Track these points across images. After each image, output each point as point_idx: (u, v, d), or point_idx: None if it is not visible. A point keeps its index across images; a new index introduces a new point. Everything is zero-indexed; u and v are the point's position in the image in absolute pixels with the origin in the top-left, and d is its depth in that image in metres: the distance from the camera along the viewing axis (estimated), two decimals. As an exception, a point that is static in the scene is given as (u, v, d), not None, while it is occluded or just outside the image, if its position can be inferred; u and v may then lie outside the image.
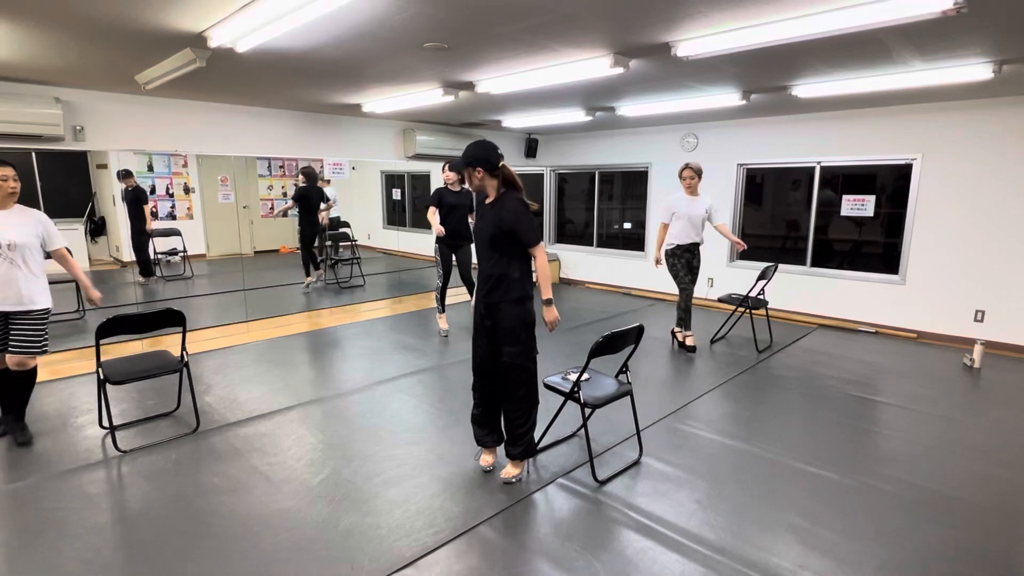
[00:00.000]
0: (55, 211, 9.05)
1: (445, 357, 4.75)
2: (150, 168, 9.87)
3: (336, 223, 8.61)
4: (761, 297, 5.06)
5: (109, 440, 3.18)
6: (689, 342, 4.92)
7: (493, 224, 2.58)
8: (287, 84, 4.37)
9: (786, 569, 2.18)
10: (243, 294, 6.54)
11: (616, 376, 3.06)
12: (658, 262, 4.90)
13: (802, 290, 6.09)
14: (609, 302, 7.06)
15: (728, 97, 4.70)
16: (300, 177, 7.17)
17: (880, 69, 3.70)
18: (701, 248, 4.87)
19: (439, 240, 5.10)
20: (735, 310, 5.09)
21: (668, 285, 7.26)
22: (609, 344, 2.72)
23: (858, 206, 5.70)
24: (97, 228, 9.99)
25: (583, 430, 3.26)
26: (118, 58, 3.51)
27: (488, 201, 2.65)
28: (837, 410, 3.71)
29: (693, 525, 2.45)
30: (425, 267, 9.71)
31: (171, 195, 10.06)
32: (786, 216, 6.39)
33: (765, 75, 3.95)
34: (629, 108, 5.43)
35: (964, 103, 4.95)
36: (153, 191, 9.89)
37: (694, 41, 2.94)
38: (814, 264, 6.07)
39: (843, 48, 3.21)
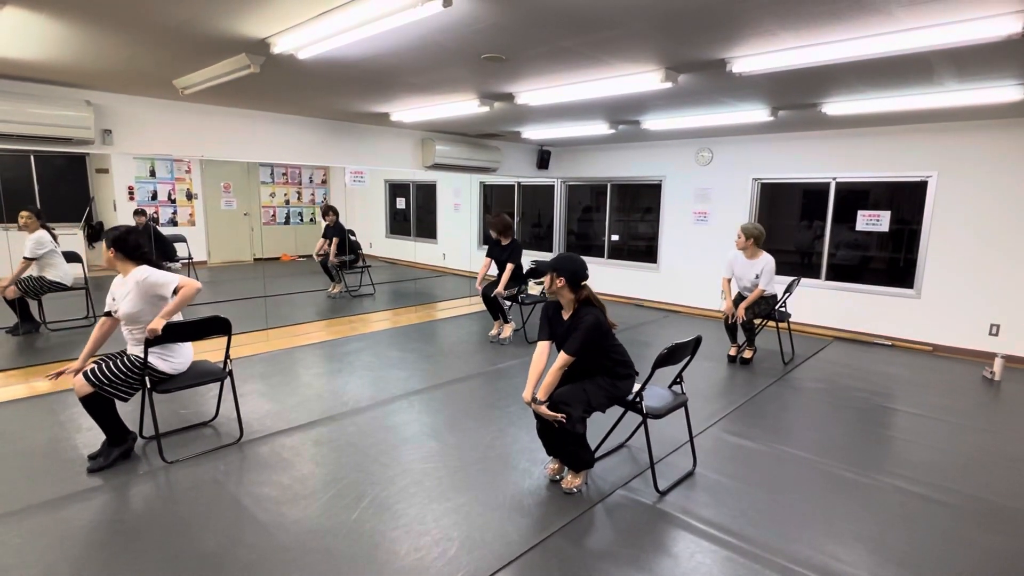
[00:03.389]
0: (52, 215, 8.88)
1: (471, 368, 4.73)
2: (152, 174, 9.74)
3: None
4: (784, 309, 5.13)
5: (150, 450, 3.11)
6: (731, 352, 5.08)
7: (575, 330, 2.64)
8: (328, 92, 4.36)
9: (864, 579, 2.20)
10: (263, 301, 6.44)
11: (670, 387, 3.08)
12: (732, 315, 4.83)
13: (818, 303, 6.20)
14: (621, 314, 7.10)
15: (756, 113, 4.80)
16: (329, 216, 7.51)
17: (914, 89, 3.82)
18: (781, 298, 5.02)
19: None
20: (761, 322, 5.15)
21: (680, 297, 7.35)
22: (671, 355, 2.75)
23: (873, 221, 5.83)
24: (95, 233, 9.80)
25: (633, 440, 3.30)
26: (166, 62, 3.48)
27: (565, 316, 2.74)
28: (873, 421, 3.77)
29: (762, 536, 2.46)
30: (431, 276, 9.69)
31: (173, 201, 9.93)
32: (801, 230, 6.52)
33: (800, 92, 4.04)
34: (654, 122, 5.51)
35: (979, 123, 5.11)
36: (155, 196, 9.76)
37: (752, 58, 3.00)
38: (829, 278, 6.19)
39: (886, 68, 3.30)
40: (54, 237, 5.34)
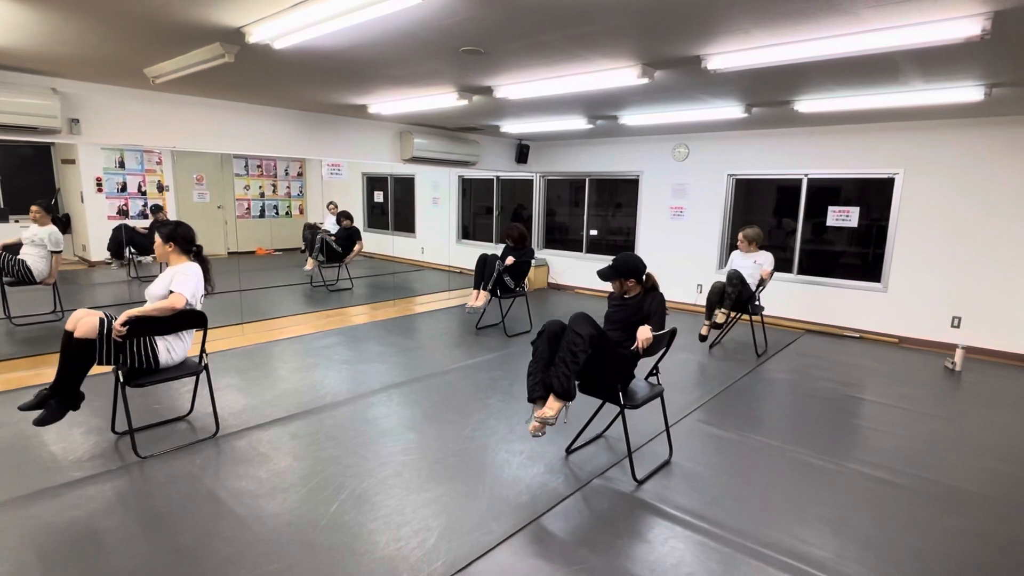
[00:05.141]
0: (17, 207, 8.60)
1: (450, 362, 4.75)
2: (121, 164, 9.48)
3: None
4: (757, 303, 5.25)
5: (123, 445, 3.06)
6: (703, 331, 5.23)
7: (635, 311, 3.04)
8: (305, 83, 4.30)
9: (829, 559, 2.29)
10: (239, 295, 6.35)
11: (647, 378, 3.14)
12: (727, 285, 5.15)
13: (789, 297, 6.35)
14: (599, 308, 7.15)
15: (731, 110, 4.88)
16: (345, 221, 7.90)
17: (882, 88, 3.93)
18: (755, 290, 5.18)
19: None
20: (736, 315, 5.26)
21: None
22: (647, 348, 2.80)
23: (843, 217, 5.99)
24: (61, 226, 9.50)
25: (611, 430, 3.36)
26: (137, 49, 3.40)
27: (628, 296, 3.13)
28: (841, 410, 3.90)
29: (734, 521, 2.53)
30: (409, 270, 9.65)
31: (143, 193, 9.68)
32: (774, 226, 6.66)
33: (773, 89, 4.13)
34: (631, 118, 5.57)
35: (943, 122, 5.28)
36: (124, 188, 9.51)
37: (726, 55, 3.06)
38: (801, 272, 6.35)
39: (856, 67, 3.39)
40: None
